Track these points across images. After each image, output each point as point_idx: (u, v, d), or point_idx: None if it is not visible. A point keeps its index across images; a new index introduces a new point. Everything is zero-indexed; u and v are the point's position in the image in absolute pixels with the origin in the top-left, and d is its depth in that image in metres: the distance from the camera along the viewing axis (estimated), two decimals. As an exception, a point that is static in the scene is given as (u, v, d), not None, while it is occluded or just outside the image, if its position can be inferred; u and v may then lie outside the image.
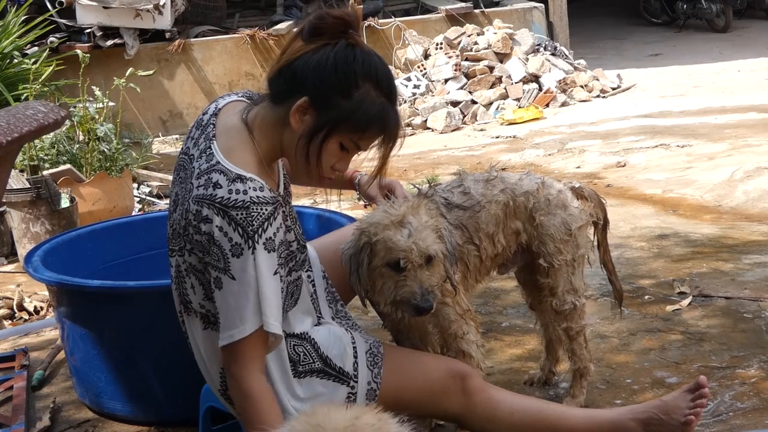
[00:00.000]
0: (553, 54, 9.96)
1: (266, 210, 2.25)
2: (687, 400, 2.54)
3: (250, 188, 2.24)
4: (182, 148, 2.45)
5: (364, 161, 2.51)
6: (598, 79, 9.93)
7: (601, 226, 3.06)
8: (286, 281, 2.42)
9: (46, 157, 5.71)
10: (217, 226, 2.23)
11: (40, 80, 6.29)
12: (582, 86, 9.68)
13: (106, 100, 6.15)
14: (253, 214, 2.22)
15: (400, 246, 2.46)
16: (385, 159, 2.41)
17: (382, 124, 2.34)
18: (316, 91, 2.27)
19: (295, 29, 2.34)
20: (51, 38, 8.48)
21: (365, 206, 3.02)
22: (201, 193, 2.26)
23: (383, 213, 2.54)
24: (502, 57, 9.66)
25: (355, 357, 2.53)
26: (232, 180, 2.24)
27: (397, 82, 9.90)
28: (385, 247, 2.47)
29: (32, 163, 5.24)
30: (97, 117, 5.94)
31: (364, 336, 2.64)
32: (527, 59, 9.63)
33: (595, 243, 3.06)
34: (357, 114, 2.29)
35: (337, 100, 2.27)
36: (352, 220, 3.27)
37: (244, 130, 2.34)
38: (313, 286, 2.63)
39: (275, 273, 2.28)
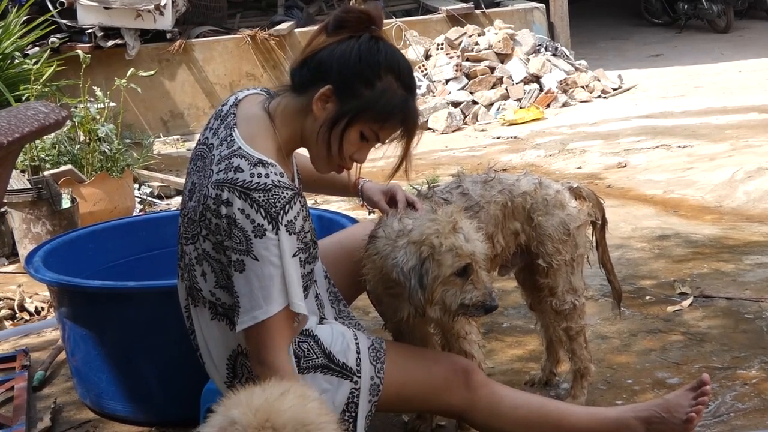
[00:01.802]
0: (554, 54, 9.96)
1: (287, 194, 2.28)
2: (689, 399, 2.55)
3: (271, 173, 2.28)
4: (200, 139, 2.49)
5: (382, 158, 2.53)
6: (599, 80, 9.93)
7: (600, 225, 3.06)
8: (300, 273, 2.42)
9: (47, 158, 5.72)
10: (238, 209, 2.25)
11: (41, 81, 6.30)
12: (583, 87, 9.68)
13: (107, 101, 6.15)
14: (275, 196, 2.26)
15: (467, 252, 2.47)
16: (406, 151, 2.45)
17: (404, 115, 2.38)
18: (340, 79, 2.32)
19: (321, 24, 2.39)
20: (52, 39, 8.47)
21: (369, 213, 3.01)
22: (221, 177, 2.29)
23: (431, 222, 2.52)
24: (503, 57, 9.66)
25: (358, 353, 2.54)
26: (254, 164, 2.28)
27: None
28: (452, 255, 2.47)
29: (33, 164, 5.24)
30: (98, 117, 5.95)
31: (367, 333, 2.66)
32: (528, 60, 9.64)
33: (594, 243, 3.06)
34: (379, 104, 2.34)
35: (360, 89, 2.33)
36: (353, 221, 3.27)
37: (266, 118, 2.39)
38: (317, 285, 2.64)
39: (294, 255, 2.30)
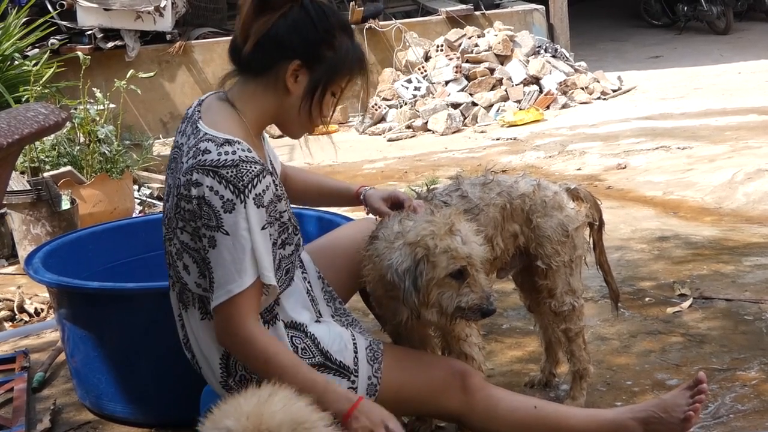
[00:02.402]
0: (553, 56, 9.97)
1: (255, 168, 2.33)
2: (686, 397, 2.56)
3: (238, 149, 2.34)
4: (174, 144, 2.55)
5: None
6: (598, 81, 9.94)
7: (597, 227, 3.06)
8: (279, 255, 2.47)
9: (46, 159, 5.72)
10: (207, 186, 2.30)
11: (40, 82, 6.30)
12: (582, 88, 9.68)
13: (107, 102, 6.15)
14: (242, 170, 2.31)
15: (462, 254, 2.47)
16: (367, 88, 2.61)
17: (362, 63, 2.51)
18: (304, 50, 2.40)
19: (248, 4, 2.42)
20: (52, 40, 8.49)
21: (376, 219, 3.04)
22: (190, 163, 2.35)
23: (427, 223, 2.52)
24: (503, 59, 9.67)
25: (356, 352, 2.55)
26: (221, 144, 2.34)
27: (397, 84, 9.96)
28: (447, 257, 2.47)
29: (33, 165, 5.25)
30: (97, 119, 5.94)
31: (364, 333, 2.66)
32: (528, 61, 9.64)
33: (591, 244, 3.06)
34: (345, 62, 2.45)
35: (324, 54, 2.42)
36: (350, 221, 3.27)
37: (227, 105, 2.47)
38: (310, 285, 2.65)
39: (263, 228, 2.35)
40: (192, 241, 2.40)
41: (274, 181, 2.44)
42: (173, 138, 2.62)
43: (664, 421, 2.55)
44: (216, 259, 2.33)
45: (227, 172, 2.30)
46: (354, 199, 2.84)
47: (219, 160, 2.31)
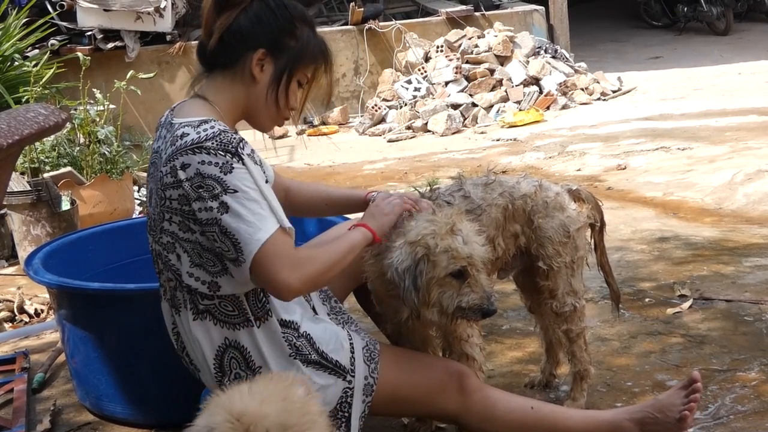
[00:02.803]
0: (553, 57, 9.97)
1: (236, 136, 2.37)
2: (680, 397, 2.57)
3: (215, 125, 2.38)
4: (152, 151, 2.55)
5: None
6: (598, 82, 9.94)
7: (598, 228, 3.06)
8: None
9: (46, 160, 5.72)
10: (198, 162, 2.32)
11: (40, 83, 6.31)
12: (582, 89, 9.68)
13: (107, 103, 6.15)
14: (225, 138, 2.35)
15: (463, 254, 2.47)
16: (330, 80, 2.62)
17: (325, 53, 2.57)
18: (268, 40, 2.47)
19: (210, 3, 2.48)
20: (52, 41, 8.49)
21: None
22: (171, 150, 2.38)
23: (428, 222, 2.52)
24: (503, 60, 9.67)
25: (352, 352, 2.55)
26: (197, 125, 2.38)
27: (397, 85, 9.95)
28: (447, 257, 2.47)
29: (33, 166, 5.25)
30: (97, 120, 5.95)
31: (361, 333, 2.66)
32: (528, 62, 9.64)
33: (592, 245, 3.06)
34: (307, 50, 2.52)
35: (288, 42, 2.49)
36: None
37: (200, 99, 2.50)
38: None
39: (267, 182, 2.39)
40: (181, 231, 2.40)
41: (253, 151, 2.45)
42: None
43: (660, 421, 2.56)
44: (233, 221, 2.30)
45: (212, 143, 2.32)
46: (363, 204, 2.81)
47: (199, 137, 2.34)
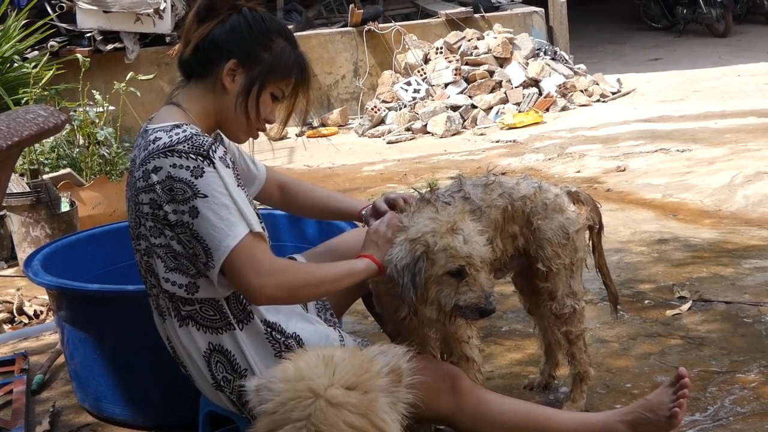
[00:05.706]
0: (553, 58, 9.97)
1: (208, 139, 2.38)
2: (669, 394, 2.59)
3: (188, 129, 2.39)
4: (131, 158, 2.56)
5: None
6: (598, 84, 9.94)
7: (597, 230, 3.06)
8: None
9: (46, 161, 5.72)
10: (169, 166, 2.33)
11: (40, 84, 6.30)
12: (582, 91, 9.68)
13: (107, 104, 6.16)
14: (197, 141, 2.35)
15: (462, 253, 2.47)
16: (307, 96, 2.62)
17: (301, 67, 2.56)
18: (240, 50, 2.47)
19: (191, 13, 2.53)
20: (51, 42, 8.48)
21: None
22: (143, 155, 2.39)
23: (430, 220, 2.53)
24: (502, 61, 9.66)
25: None
26: (170, 130, 2.39)
27: (397, 87, 9.95)
28: (446, 255, 2.47)
29: (32, 167, 5.24)
30: (97, 121, 5.95)
31: (353, 337, 2.68)
32: (527, 64, 9.64)
33: (590, 247, 3.07)
34: (281, 63, 2.51)
35: (260, 54, 2.49)
36: (353, 225, 3.27)
37: (173, 106, 2.51)
38: None
39: (238, 186, 2.38)
40: (153, 236, 2.41)
41: (225, 152, 2.44)
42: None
43: (652, 420, 2.58)
44: (203, 226, 2.32)
45: (183, 146, 2.33)
46: (357, 219, 2.88)
47: (171, 140, 2.35)
